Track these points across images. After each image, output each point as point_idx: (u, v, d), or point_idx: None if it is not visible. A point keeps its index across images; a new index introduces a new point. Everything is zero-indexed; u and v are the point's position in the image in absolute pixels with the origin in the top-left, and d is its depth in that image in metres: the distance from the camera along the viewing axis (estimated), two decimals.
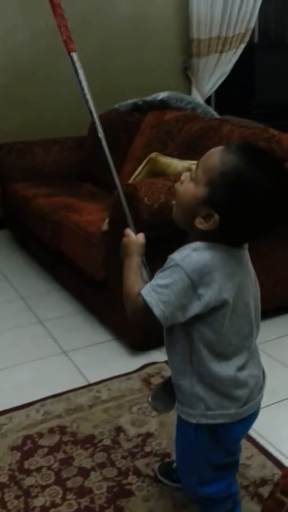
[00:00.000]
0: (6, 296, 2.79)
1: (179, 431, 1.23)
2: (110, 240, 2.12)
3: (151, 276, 1.16)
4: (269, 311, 2.31)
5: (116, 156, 3.41)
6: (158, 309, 1.01)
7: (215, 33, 4.22)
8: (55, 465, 1.57)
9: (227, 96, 4.60)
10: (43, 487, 1.49)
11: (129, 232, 1.22)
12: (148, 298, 1.02)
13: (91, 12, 3.87)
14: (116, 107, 3.51)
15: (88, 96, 1.33)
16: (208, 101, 4.52)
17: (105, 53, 3.99)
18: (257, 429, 1.68)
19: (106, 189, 3.10)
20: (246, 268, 1.10)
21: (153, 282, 1.04)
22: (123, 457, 1.60)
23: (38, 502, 1.44)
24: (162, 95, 3.19)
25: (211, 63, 4.30)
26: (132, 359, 2.13)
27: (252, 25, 4.36)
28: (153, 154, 2.35)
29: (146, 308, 1.03)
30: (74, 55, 1.34)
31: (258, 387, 1.16)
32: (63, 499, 1.45)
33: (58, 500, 1.45)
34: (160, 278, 1.03)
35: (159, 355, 2.11)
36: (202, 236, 1.04)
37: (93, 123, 1.36)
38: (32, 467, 1.57)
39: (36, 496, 1.46)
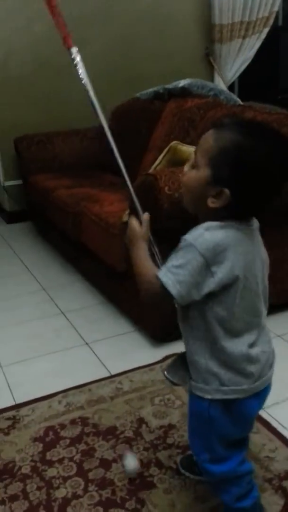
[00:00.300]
0: (28, 288, 2.80)
1: (192, 408, 1.23)
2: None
3: (160, 257, 1.21)
4: None
5: (137, 145, 3.41)
6: (175, 289, 1.04)
7: (238, 17, 4.13)
8: (77, 457, 1.57)
9: (251, 82, 4.51)
10: (65, 479, 1.49)
11: (131, 220, 1.21)
12: (164, 279, 1.04)
13: (112, 0, 3.82)
14: (138, 96, 3.47)
15: (92, 94, 1.29)
16: (231, 87, 4.44)
17: (126, 41, 3.96)
18: (281, 422, 1.65)
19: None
20: (257, 248, 1.12)
21: (168, 263, 1.06)
22: (145, 449, 1.59)
23: (60, 493, 1.44)
24: (183, 82, 3.14)
25: (234, 48, 4.22)
26: (154, 350, 2.12)
27: (276, 8, 4.26)
28: (173, 143, 2.31)
29: (163, 289, 1.05)
30: (74, 51, 1.30)
31: (269, 363, 1.18)
32: (85, 490, 1.45)
33: (79, 492, 1.44)
34: (175, 259, 1.05)
35: (181, 346, 2.07)
36: (215, 216, 1.06)
37: (97, 115, 1.31)
38: (54, 458, 1.57)
39: (58, 488, 1.46)
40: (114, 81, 3.88)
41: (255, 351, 1.12)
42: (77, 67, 1.32)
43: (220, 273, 1.03)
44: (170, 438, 1.63)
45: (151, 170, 2.22)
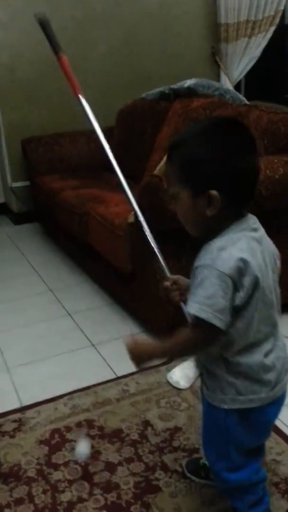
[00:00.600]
0: (35, 289, 2.80)
1: (207, 417, 1.22)
2: (136, 232, 2.10)
3: (166, 265, 1.23)
4: None
5: (143, 145, 3.41)
6: (218, 320, 0.99)
7: (244, 16, 4.11)
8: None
9: (257, 81, 4.48)
10: (70, 482, 1.49)
11: (127, 340, 1.16)
12: (204, 315, 0.99)
13: (117, 1, 3.82)
14: (143, 96, 3.46)
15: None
16: (237, 86, 4.42)
17: (132, 41, 3.95)
18: None
19: (133, 180, 3.07)
20: (267, 250, 1.08)
21: (196, 298, 1.00)
22: (151, 452, 1.58)
23: (65, 497, 1.44)
24: (189, 82, 3.12)
25: (240, 47, 4.20)
26: None
27: (282, 6, 4.23)
28: None
29: (205, 326, 1.00)
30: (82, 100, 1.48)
31: (285, 369, 1.16)
32: (90, 494, 1.44)
33: (85, 495, 1.44)
34: (202, 290, 1.00)
35: None
36: (221, 224, 1.04)
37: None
38: (60, 461, 1.57)
39: (63, 491, 1.46)
40: (120, 81, 3.87)
41: (270, 358, 1.10)
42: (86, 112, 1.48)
43: (246, 282, 1.01)
44: (176, 441, 1.62)
45: (156, 171, 2.22)
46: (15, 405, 1.85)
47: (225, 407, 1.12)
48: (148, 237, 1.31)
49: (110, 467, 1.53)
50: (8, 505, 1.42)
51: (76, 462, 1.55)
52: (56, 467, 1.55)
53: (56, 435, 1.67)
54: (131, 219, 2.17)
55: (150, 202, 1.87)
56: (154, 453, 1.57)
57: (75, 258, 3.10)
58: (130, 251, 2.17)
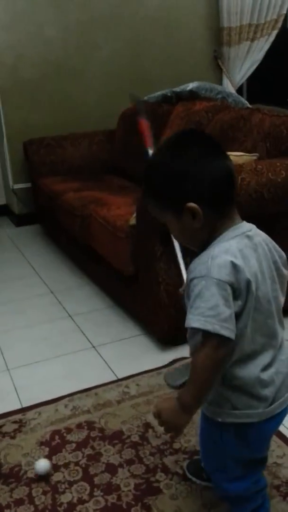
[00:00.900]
0: (36, 291, 2.80)
1: (204, 429, 1.21)
2: (138, 234, 2.10)
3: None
4: None
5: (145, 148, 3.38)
6: (226, 331, 0.96)
7: (246, 20, 4.12)
8: (83, 461, 1.56)
9: (260, 84, 4.50)
10: (71, 483, 1.48)
11: (157, 410, 1.09)
12: (210, 327, 0.96)
13: (120, 4, 3.84)
14: (146, 99, 3.47)
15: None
16: (239, 90, 4.42)
17: (135, 44, 3.96)
18: None
19: (134, 182, 3.07)
20: (264, 258, 1.06)
21: (198, 311, 0.97)
22: (151, 454, 1.58)
23: (66, 498, 1.44)
24: (191, 85, 3.14)
25: (242, 51, 4.21)
26: (161, 354, 2.11)
27: (284, 10, 4.24)
28: None
29: (215, 339, 0.97)
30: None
31: (286, 385, 1.11)
32: (91, 495, 1.44)
33: (85, 497, 1.44)
34: (203, 302, 0.97)
35: (188, 350, 2.07)
36: (211, 233, 1.05)
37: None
38: (60, 463, 1.56)
39: (63, 492, 1.46)
40: (123, 84, 3.88)
41: (268, 373, 1.07)
42: None
43: (242, 286, 0.99)
44: (176, 443, 1.61)
45: None
46: (16, 406, 1.85)
47: (219, 420, 1.10)
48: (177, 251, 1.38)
49: (111, 469, 1.53)
50: (8, 506, 1.42)
51: (76, 464, 1.55)
52: (56, 468, 1.54)
53: (57, 437, 1.67)
54: (132, 221, 2.17)
55: None
56: (155, 455, 1.57)
57: (76, 260, 3.10)
58: (132, 253, 2.17)
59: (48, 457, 1.58)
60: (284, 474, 1.48)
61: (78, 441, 1.64)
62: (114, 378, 1.97)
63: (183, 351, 2.09)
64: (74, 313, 2.52)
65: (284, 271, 1.11)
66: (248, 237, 1.05)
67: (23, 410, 1.82)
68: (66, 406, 1.82)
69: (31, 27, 3.65)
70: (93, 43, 3.83)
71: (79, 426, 1.71)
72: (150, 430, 1.67)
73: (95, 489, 1.46)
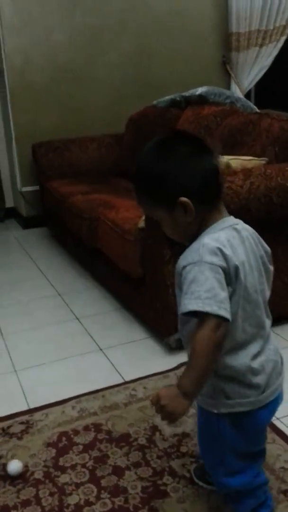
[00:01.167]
0: (44, 293, 2.81)
1: (201, 422, 1.22)
2: (147, 237, 2.10)
3: None
4: None
5: None
6: (224, 311, 0.99)
7: (255, 26, 4.14)
8: (90, 463, 1.56)
9: (268, 89, 4.50)
10: (78, 485, 1.48)
11: (156, 395, 1.09)
12: (208, 309, 0.98)
13: (129, 9, 3.86)
14: (154, 104, 3.49)
15: None
16: (248, 95, 4.43)
17: (143, 49, 3.98)
18: None
19: None
20: (251, 252, 1.10)
21: (194, 295, 0.99)
22: (159, 457, 1.57)
23: (73, 500, 1.43)
24: (200, 90, 3.14)
25: (251, 56, 4.22)
26: (169, 357, 2.10)
27: None
28: None
29: (213, 320, 0.99)
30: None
31: (277, 372, 1.15)
32: (97, 497, 1.44)
33: (92, 499, 1.43)
34: (199, 287, 0.99)
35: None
36: (201, 226, 1.09)
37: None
38: (67, 464, 1.56)
39: (70, 494, 1.45)
40: (131, 88, 3.90)
41: (258, 361, 1.10)
42: None
43: (231, 271, 1.03)
44: (183, 447, 1.61)
45: None
46: (23, 407, 1.85)
47: (215, 411, 1.12)
48: None
49: (118, 471, 1.53)
50: (15, 507, 1.42)
51: (83, 466, 1.55)
52: (63, 469, 1.54)
53: (64, 438, 1.67)
54: (141, 224, 2.17)
55: None
56: (162, 458, 1.57)
57: (83, 262, 3.10)
58: (140, 256, 2.17)
59: (55, 458, 1.59)
60: None
61: (85, 443, 1.64)
62: (122, 381, 1.97)
63: None
64: (81, 315, 2.53)
65: (270, 266, 1.15)
66: (236, 230, 1.09)
67: (30, 411, 1.82)
68: (73, 408, 1.82)
69: (40, 31, 3.68)
70: (102, 47, 3.85)
71: (86, 428, 1.71)
72: (157, 433, 1.67)
73: (102, 491, 1.46)
